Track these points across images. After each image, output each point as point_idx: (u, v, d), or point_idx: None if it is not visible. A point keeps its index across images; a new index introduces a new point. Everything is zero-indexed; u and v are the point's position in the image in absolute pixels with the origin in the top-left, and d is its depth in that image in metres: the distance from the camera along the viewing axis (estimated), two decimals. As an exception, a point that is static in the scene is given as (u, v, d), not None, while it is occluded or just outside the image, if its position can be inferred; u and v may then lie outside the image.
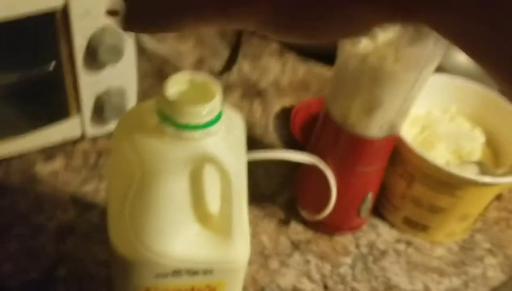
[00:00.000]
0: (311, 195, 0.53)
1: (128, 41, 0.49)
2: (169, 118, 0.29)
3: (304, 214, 0.53)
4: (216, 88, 0.30)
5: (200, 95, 0.31)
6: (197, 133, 0.29)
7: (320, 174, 0.49)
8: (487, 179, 0.48)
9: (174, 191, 0.32)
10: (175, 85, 0.31)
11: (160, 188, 0.31)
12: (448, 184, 0.49)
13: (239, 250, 0.35)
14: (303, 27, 0.18)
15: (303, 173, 0.54)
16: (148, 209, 0.31)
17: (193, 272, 0.34)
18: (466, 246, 0.57)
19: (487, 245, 0.58)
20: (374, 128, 0.44)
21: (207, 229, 0.34)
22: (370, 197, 0.51)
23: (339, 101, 0.45)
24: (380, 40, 0.39)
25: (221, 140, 0.31)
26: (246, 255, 0.35)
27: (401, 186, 0.53)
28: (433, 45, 0.38)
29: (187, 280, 0.34)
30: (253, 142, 0.62)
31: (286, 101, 0.69)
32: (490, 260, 0.56)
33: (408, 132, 0.56)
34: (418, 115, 0.58)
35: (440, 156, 0.55)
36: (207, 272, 0.34)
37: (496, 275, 0.55)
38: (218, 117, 0.30)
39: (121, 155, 0.31)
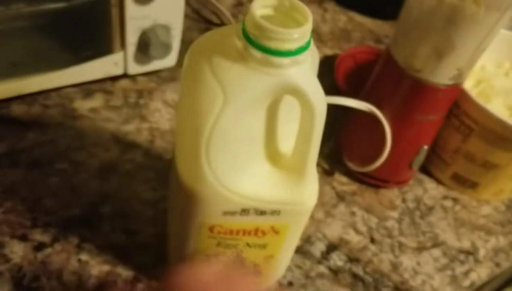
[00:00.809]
0: (360, 145, 0.51)
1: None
2: (257, 42, 0.27)
3: (352, 165, 0.52)
4: (307, 12, 0.28)
5: (289, 20, 0.28)
6: (286, 60, 0.27)
7: (372, 123, 0.47)
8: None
9: (252, 124, 0.30)
10: (262, 8, 0.28)
11: (240, 120, 0.29)
12: (507, 138, 0.47)
13: (309, 192, 0.33)
14: None
15: (351, 122, 0.52)
16: (226, 142, 0.29)
17: (260, 212, 0.32)
18: (513, 206, 0.56)
19: (533, 206, 0.56)
20: (442, 75, 0.42)
21: (279, 168, 0.32)
22: (425, 149, 0.49)
23: (406, 44, 0.42)
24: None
25: (308, 70, 0.28)
26: (314, 198, 0.34)
27: (456, 140, 0.51)
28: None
29: (253, 220, 0.33)
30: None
31: (328, 50, 0.67)
32: (536, 220, 0.55)
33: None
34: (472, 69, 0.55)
35: (496, 109, 0.52)
36: (274, 212, 0.33)
37: (542, 237, 0.54)
38: (308, 45, 0.28)
39: (199, 82, 0.29)
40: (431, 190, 0.55)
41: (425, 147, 0.49)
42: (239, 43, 0.28)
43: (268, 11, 0.29)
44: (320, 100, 0.29)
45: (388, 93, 0.46)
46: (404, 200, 0.53)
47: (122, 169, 0.49)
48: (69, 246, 0.43)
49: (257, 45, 0.27)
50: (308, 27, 0.27)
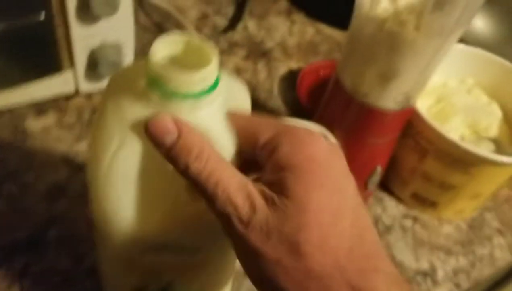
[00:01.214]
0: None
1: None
2: (157, 83, 0.25)
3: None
4: (213, 53, 0.26)
5: (195, 60, 0.26)
6: (187, 104, 0.25)
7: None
8: (504, 159, 0.45)
9: (153, 166, 0.27)
10: (167, 47, 0.27)
11: (138, 163, 0.27)
12: (462, 160, 0.46)
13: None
14: None
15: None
16: (124, 183, 0.28)
17: (177, 248, 0.31)
18: (475, 225, 0.55)
19: (496, 224, 0.55)
20: (388, 100, 0.41)
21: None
22: (379, 169, 0.48)
23: (351, 69, 0.41)
24: (401, 4, 0.36)
25: (214, 114, 0.27)
26: None
27: (412, 160, 0.50)
28: (459, 12, 0.34)
29: (170, 257, 0.31)
30: (257, 106, 0.59)
31: (293, 64, 0.66)
32: (498, 240, 0.54)
33: (422, 103, 0.53)
34: (433, 86, 0.54)
35: (455, 129, 0.51)
36: (192, 249, 0.31)
37: (503, 256, 0.53)
38: (212, 87, 0.26)
39: (101, 119, 0.28)
40: (390, 209, 0.54)
41: (379, 168, 0.48)
42: (141, 81, 0.26)
43: (176, 49, 0.27)
44: (231, 144, 0.28)
45: (338, 116, 0.45)
46: (361, 220, 0.52)
47: (71, 190, 0.48)
48: (12, 271, 0.42)
49: (157, 86, 0.25)
50: (211, 69, 0.25)
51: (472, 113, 0.52)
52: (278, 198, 0.24)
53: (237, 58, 0.65)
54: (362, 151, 0.46)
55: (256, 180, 0.26)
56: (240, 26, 0.68)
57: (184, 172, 0.25)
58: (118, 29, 0.48)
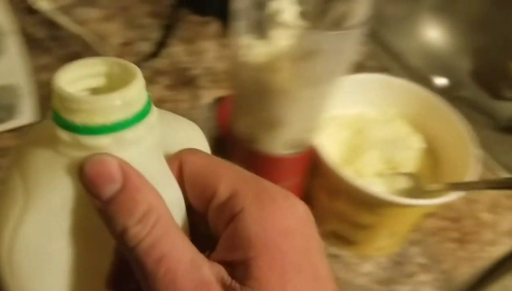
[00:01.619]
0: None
1: (9, 37, 0.43)
2: (62, 118, 0.19)
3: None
4: (135, 72, 0.20)
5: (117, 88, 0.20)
6: (105, 140, 0.19)
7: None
8: (407, 201, 0.43)
9: (69, 233, 0.21)
10: (79, 75, 0.20)
11: (50, 229, 0.20)
12: (369, 202, 0.44)
13: None
14: None
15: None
16: (29, 259, 0.21)
17: None
18: (398, 260, 0.53)
19: (421, 259, 0.53)
20: (279, 146, 0.39)
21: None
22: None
23: (240, 116, 0.39)
24: (274, 53, 0.33)
25: (149, 155, 0.20)
26: None
27: (324, 200, 0.48)
28: (333, 61, 0.32)
29: None
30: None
31: (220, 91, 0.63)
32: (422, 276, 0.52)
33: (338, 135, 0.51)
34: (349, 117, 0.52)
35: (370, 165, 0.49)
36: None
37: (427, 293, 0.51)
38: (140, 115, 0.20)
39: (6, 186, 0.21)
40: (309, 248, 0.52)
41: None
42: (48, 123, 0.20)
43: (99, 81, 0.21)
44: (168, 197, 0.21)
45: (239, 161, 0.43)
46: (276, 262, 0.50)
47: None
48: None
49: (62, 121, 0.19)
50: (133, 90, 0.19)
51: (389, 148, 0.50)
52: (242, 289, 0.18)
53: (160, 87, 0.62)
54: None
55: (208, 256, 0.19)
56: (165, 52, 0.66)
57: (120, 236, 0.19)
58: (8, 72, 0.46)
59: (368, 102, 0.52)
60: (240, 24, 0.34)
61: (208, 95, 0.62)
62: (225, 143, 0.55)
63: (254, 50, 0.34)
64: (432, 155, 0.52)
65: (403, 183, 0.49)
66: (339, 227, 0.49)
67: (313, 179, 0.47)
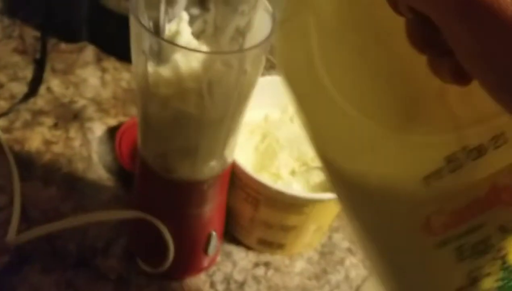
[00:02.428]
0: (148, 246, 0.45)
1: None
2: None
3: (144, 266, 0.46)
4: None
5: None
6: None
7: (152, 224, 0.42)
8: (328, 196, 0.43)
9: None
10: None
11: None
12: (292, 204, 0.45)
13: None
14: None
15: (135, 223, 0.46)
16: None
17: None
18: (326, 251, 0.54)
19: (346, 244, 0.55)
20: (199, 172, 0.37)
21: None
22: (214, 234, 0.44)
23: (151, 147, 0.37)
24: (183, 82, 0.32)
25: None
26: None
27: (248, 210, 0.47)
28: (240, 79, 0.31)
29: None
30: (75, 180, 0.53)
31: (111, 120, 0.60)
32: (350, 260, 0.54)
33: (249, 143, 0.51)
34: (256, 122, 0.52)
35: (284, 165, 0.50)
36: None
37: (358, 273, 0.53)
38: None
39: None
40: (240, 262, 0.51)
41: (214, 233, 0.44)
42: None
43: None
44: None
45: (153, 193, 0.40)
46: (212, 284, 0.49)
47: None
48: None
49: None
50: None
51: (297, 145, 0.51)
52: None
53: (45, 128, 0.57)
54: (190, 223, 0.42)
55: None
56: (42, 89, 0.60)
57: None
58: None
59: (270, 104, 0.52)
60: (138, 49, 0.32)
61: (98, 127, 0.59)
62: (130, 176, 0.52)
63: (158, 77, 0.32)
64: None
65: (319, 177, 0.50)
66: (267, 234, 0.49)
67: (234, 192, 0.46)
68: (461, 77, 0.20)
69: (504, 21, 0.16)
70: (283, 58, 0.27)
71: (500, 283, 0.22)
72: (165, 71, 0.32)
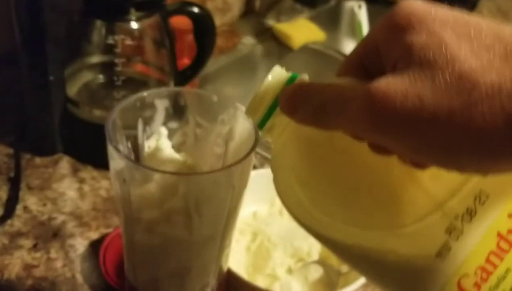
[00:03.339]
0: None
1: None
2: None
3: None
4: None
5: None
6: None
7: None
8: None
9: None
10: None
11: None
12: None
13: None
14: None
15: None
16: None
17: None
18: None
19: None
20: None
21: None
22: None
23: (139, 274, 0.34)
24: (164, 197, 0.30)
25: None
26: None
27: (248, 319, 0.44)
28: (224, 219, 0.30)
29: None
30: (60, 307, 0.49)
31: (93, 234, 0.57)
32: None
33: (239, 244, 0.49)
34: (244, 221, 0.50)
35: (280, 264, 0.47)
36: None
37: None
38: None
39: None
40: None
41: None
42: None
43: None
44: None
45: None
46: None
47: None
48: None
49: None
50: None
51: (291, 240, 0.49)
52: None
53: (24, 251, 0.54)
54: None
55: None
56: (19, 209, 0.58)
57: None
58: None
59: (257, 200, 0.51)
60: (119, 177, 0.30)
61: (80, 243, 0.56)
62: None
63: (141, 201, 0.30)
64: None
65: (316, 272, 0.47)
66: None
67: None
68: (419, 164, 0.23)
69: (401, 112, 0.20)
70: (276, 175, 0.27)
71: None
72: (148, 192, 0.31)
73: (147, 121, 0.35)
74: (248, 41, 0.95)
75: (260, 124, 0.27)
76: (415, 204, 0.25)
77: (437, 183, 0.24)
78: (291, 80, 0.26)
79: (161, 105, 0.34)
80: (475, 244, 0.24)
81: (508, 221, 0.24)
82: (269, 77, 0.26)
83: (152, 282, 0.34)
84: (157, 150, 0.35)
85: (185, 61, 0.72)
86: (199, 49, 0.66)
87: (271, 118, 0.26)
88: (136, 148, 0.34)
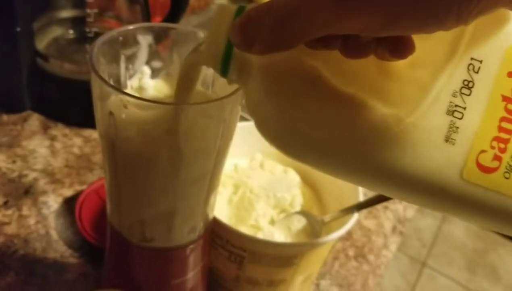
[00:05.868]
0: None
1: None
2: None
3: None
4: None
5: None
6: None
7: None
8: (322, 239, 0.41)
9: None
10: None
11: None
12: (281, 256, 0.42)
13: None
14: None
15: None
16: None
17: None
18: (314, 300, 0.51)
19: (335, 289, 0.52)
20: (180, 236, 0.34)
21: None
22: (198, 301, 0.41)
23: (124, 216, 0.33)
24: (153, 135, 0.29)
25: None
26: None
27: (232, 269, 0.44)
28: (216, 131, 0.28)
29: None
30: (35, 263, 0.47)
31: (66, 191, 0.55)
32: (342, 306, 0.51)
33: (221, 196, 0.48)
34: (225, 173, 0.49)
35: (263, 215, 0.47)
36: None
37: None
38: None
39: None
40: (228, 326, 0.47)
41: (199, 300, 0.40)
42: None
43: None
44: None
45: (126, 267, 0.37)
46: None
47: None
48: None
49: None
50: None
51: (273, 191, 0.48)
52: None
53: (-7, 209, 0.52)
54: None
55: None
56: (-14, 167, 0.55)
57: None
58: None
59: (238, 154, 0.50)
60: (104, 110, 0.29)
61: (53, 200, 0.54)
62: (96, 249, 0.48)
63: (128, 137, 0.29)
64: (310, 183, 0.52)
65: (299, 223, 0.47)
66: (254, 292, 0.46)
67: (215, 252, 0.43)
68: (400, 52, 0.22)
69: None
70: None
71: None
72: (137, 124, 0.29)
73: (130, 59, 0.33)
74: (221, 0, 0.93)
75: (223, 72, 0.24)
76: (404, 96, 0.23)
77: (420, 68, 0.23)
78: (238, 13, 0.23)
79: (145, 42, 0.33)
80: (482, 115, 0.22)
81: (509, 81, 0.23)
82: (214, 17, 0.23)
83: (138, 225, 0.33)
84: (140, 89, 0.33)
85: (157, 19, 0.70)
86: (172, 7, 0.64)
87: (232, 63, 0.24)
88: (119, 87, 0.33)
